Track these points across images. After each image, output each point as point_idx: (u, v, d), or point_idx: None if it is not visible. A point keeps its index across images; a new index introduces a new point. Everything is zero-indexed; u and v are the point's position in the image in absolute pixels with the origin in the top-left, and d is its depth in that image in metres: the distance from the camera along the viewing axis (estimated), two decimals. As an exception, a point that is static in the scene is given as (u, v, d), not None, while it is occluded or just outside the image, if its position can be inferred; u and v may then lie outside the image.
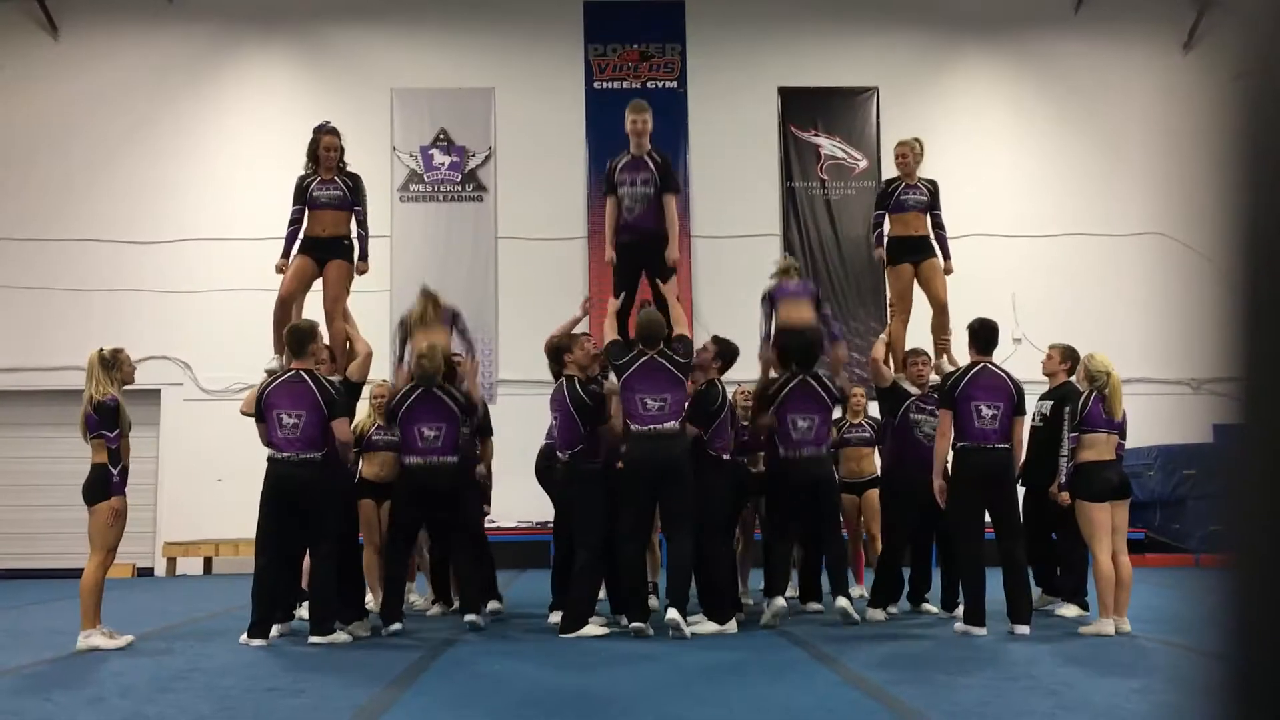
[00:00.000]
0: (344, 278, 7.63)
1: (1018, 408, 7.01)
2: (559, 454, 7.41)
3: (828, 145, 15.24)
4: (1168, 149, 14.14)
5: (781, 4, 15.36)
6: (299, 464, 6.81)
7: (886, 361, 8.10)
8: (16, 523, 14.08)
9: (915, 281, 8.29)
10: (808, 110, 15.31)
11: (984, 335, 7.15)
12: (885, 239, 8.40)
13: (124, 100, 14.86)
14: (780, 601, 7.22)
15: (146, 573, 14.01)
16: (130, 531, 13.49)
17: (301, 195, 7.65)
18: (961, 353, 7.74)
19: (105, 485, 6.68)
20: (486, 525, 12.51)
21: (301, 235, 7.66)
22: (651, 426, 6.87)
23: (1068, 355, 7.91)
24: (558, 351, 7.52)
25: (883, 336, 8.35)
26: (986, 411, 6.91)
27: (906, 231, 8.27)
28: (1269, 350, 0.88)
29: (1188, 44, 15.06)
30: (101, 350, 6.84)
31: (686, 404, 7.11)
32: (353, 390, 7.28)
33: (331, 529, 6.98)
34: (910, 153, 8.38)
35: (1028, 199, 15.03)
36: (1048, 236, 15.00)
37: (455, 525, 7.53)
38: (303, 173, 7.70)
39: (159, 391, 13.88)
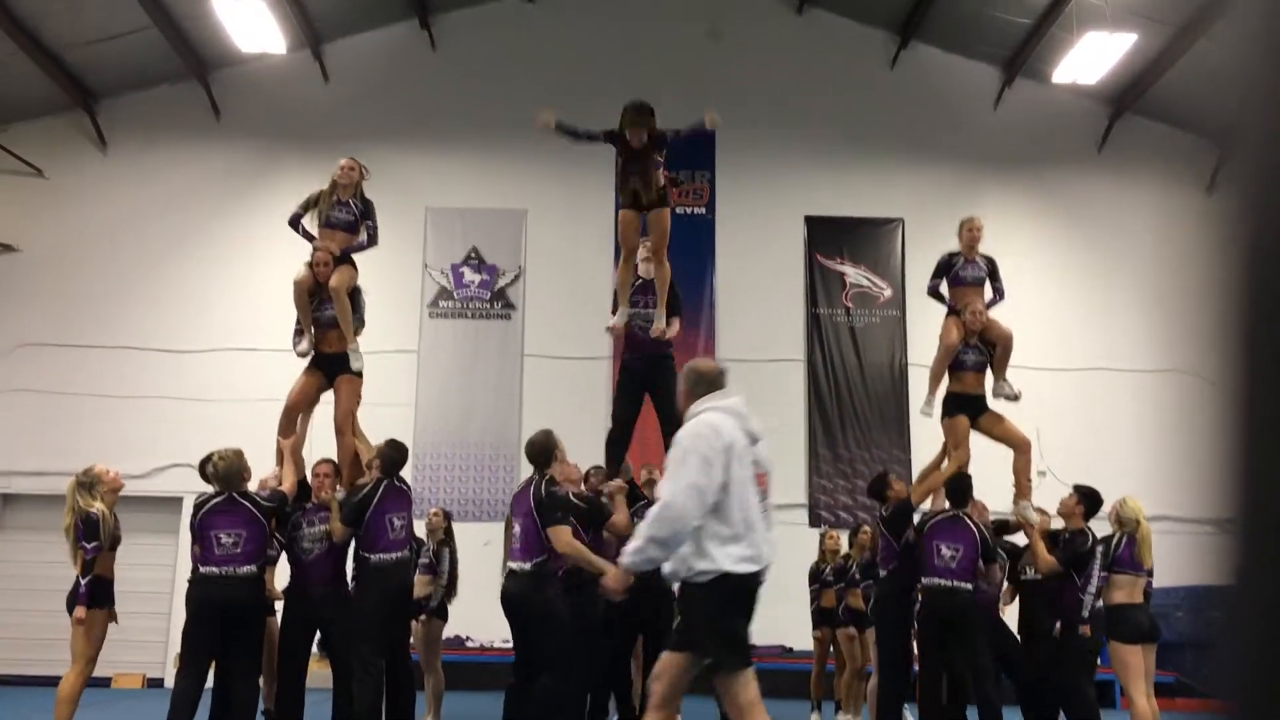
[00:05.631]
0: (354, 392, 7.79)
1: (984, 554, 7.26)
2: (514, 565, 6.74)
3: (853, 274, 15.41)
4: (1190, 286, 14.23)
5: (808, 136, 15.70)
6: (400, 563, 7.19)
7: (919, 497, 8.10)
8: (36, 628, 13.97)
9: (972, 432, 8.20)
10: (833, 239, 15.53)
11: (955, 489, 7.52)
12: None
13: (166, 214, 15.25)
14: None
15: (157, 683, 13.85)
16: (141, 641, 13.47)
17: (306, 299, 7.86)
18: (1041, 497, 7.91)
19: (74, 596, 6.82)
20: (467, 645, 12.23)
21: (311, 352, 7.85)
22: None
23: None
24: (545, 451, 6.95)
25: (930, 476, 8.22)
26: (946, 551, 7.20)
27: (964, 389, 8.21)
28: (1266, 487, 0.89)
29: (1210, 185, 15.26)
30: (76, 476, 7.04)
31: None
32: None
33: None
34: (974, 315, 8.26)
35: (1052, 332, 15.08)
36: (1073, 370, 15.01)
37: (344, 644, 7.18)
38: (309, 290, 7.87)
39: (180, 500, 13.89)
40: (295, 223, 8.02)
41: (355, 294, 7.92)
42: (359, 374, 7.79)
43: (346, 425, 7.72)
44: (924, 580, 7.28)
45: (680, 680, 4.36)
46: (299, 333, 7.88)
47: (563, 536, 6.51)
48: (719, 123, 7.49)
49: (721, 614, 4.24)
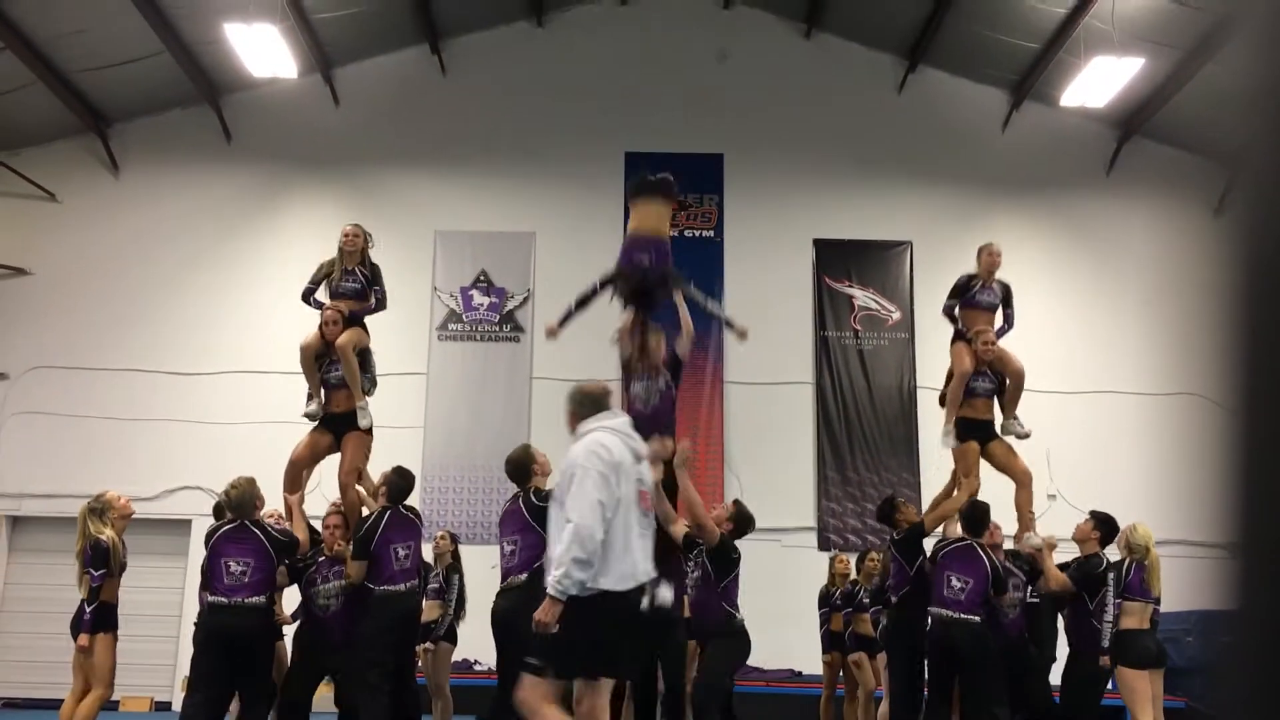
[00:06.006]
0: (361, 449, 7.81)
1: (995, 585, 7.22)
2: (511, 579, 6.55)
3: (861, 296, 15.42)
4: (1199, 309, 14.20)
5: (817, 159, 15.75)
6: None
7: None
8: (45, 651, 13.96)
9: (982, 460, 8.16)
10: (841, 262, 15.55)
11: (971, 518, 7.45)
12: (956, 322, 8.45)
13: (177, 236, 15.33)
14: None
15: (164, 707, 13.82)
16: (149, 664, 13.45)
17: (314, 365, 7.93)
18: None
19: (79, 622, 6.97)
20: (475, 669, 12.20)
21: (320, 414, 7.86)
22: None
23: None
24: (522, 465, 6.85)
25: (943, 504, 8.18)
26: (956, 583, 7.16)
27: (974, 415, 8.16)
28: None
29: (1218, 208, 15.25)
30: (88, 502, 7.19)
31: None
32: None
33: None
34: (986, 346, 8.18)
35: (1061, 356, 15.05)
36: (1082, 393, 14.98)
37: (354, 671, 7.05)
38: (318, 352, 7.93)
39: (189, 522, 13.91)
40: (308, 297, 8.14)
41: (365, 355, 7.96)
42: (368, 432, 7.82)
43: (351, 482, 7.73)
44: (931, 609, 7.24)
45: (595, 691, 4.55)
46: (310, 397, 7.91)
47: None
48: (747, 336, 7.79)
49: (581, 628, 4.36)
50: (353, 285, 8.03)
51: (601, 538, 4.33)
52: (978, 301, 8.40)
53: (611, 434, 4.62)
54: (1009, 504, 8.22)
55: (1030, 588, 8.01)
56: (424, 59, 15.94)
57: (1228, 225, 1.03)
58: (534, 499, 6.52)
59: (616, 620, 4.43)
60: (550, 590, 4.33)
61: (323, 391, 7.85)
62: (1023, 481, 8.07)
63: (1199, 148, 15.33)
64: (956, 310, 8.49)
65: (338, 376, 7.74)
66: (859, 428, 14.90)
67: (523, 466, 6.80)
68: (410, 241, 15.01)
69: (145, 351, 14.92)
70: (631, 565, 4.45)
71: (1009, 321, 8.55)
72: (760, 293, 15.25)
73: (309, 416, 7.83)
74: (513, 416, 14.87)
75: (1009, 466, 8.11)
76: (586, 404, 4.79)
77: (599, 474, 4.40)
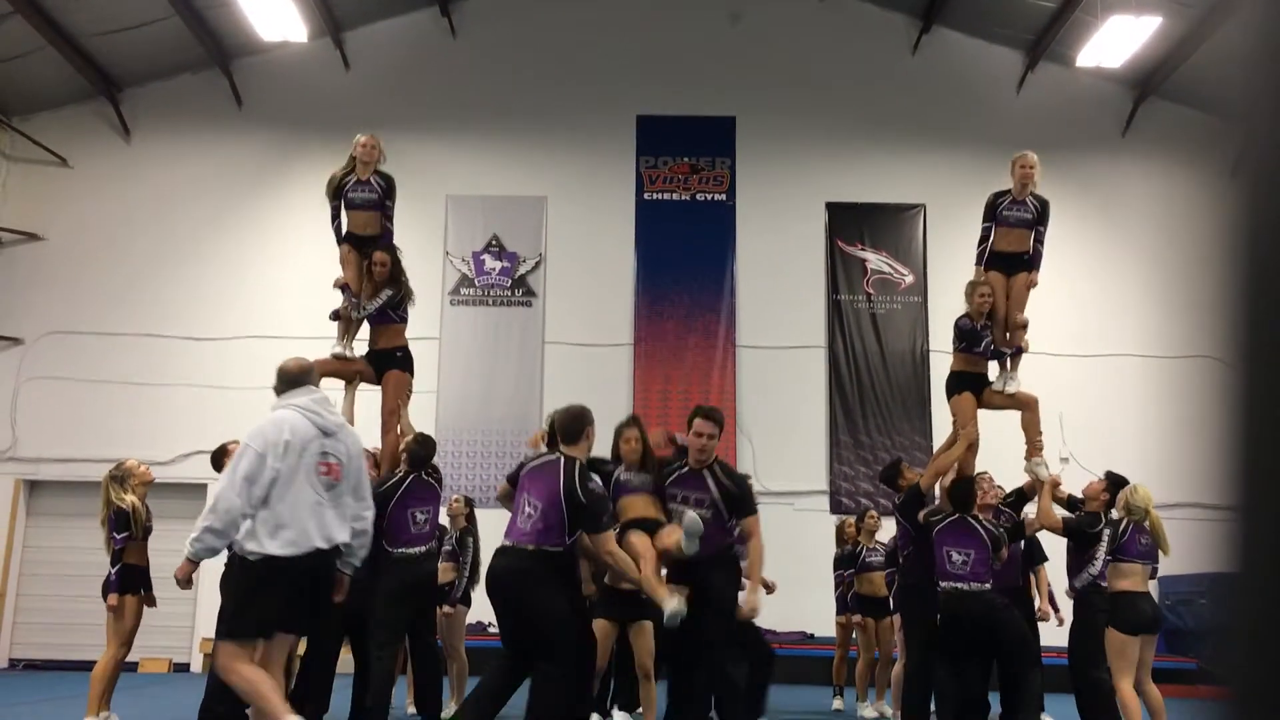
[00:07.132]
0: (401, 389, 7.77)
1: (994, 551, 7.17)
2: (512, 542, 5.65)
3: (874, 260, 15.36)
4: (1212, 271, 14.11)
5: (830, 122, 15.65)
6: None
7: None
8: (63, 613, 14.14)
9: (979, 409, 8.00)
10: (854, 225, 15.47)
11: (956, 494, 7.37)
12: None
13: (189, 201, 15.34)
14: None
15: (183, 668, 13.98)
16: (167, 626, 13.56)
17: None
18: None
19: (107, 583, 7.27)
20: (490, 631, 12.30)
21: (346, 353, 7.89)
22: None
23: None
24: (579, 422, 6.20)
25: (940, 457, 8.02)
26: (957, 556, 7.09)
27: (971, 369, 8.03)
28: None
29: (1234, 170, 15.10)
30: (109, 471, 7.43)
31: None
32: None
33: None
34: (984, 297, 8.02)
35: (1075, 318, 14.99)
36: (1096, 356, 14.93)
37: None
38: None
39: (204, 486, 13.97)
40: (337, 224, 8.07)
41: (395, 274, 7.87)
42: (406, 370, 7.80)
43: (392, 423, 7.70)
44: (942, 584, 7.14)
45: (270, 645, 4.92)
46: (340, 338, 7.88)
47: (609, 544, 5.72)
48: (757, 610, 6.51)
49: (250, 589, 4.81)
50: (368, 195, 7.96)
51: (248, 512, 4.70)
52: (1005, 218, 8.11)
53: (295, 410, 4.91)
54: (1012, 461, 8.20)
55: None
56: (434, 21, 15.86)
57: (1235, 189, 1.02)
58: (578, 486, 5.66)
59: (286, 580, 4.76)
60: (186, 550, 4.85)
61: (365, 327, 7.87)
62: (1027, 405, 7.88)
63: (1216, 108, 15.17)
64: (992, 232, 8.19)
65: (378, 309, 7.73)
66: (871, 391, 14.89)
67: (579, 422, 6.22)
68: (421, 206, 14.97)
69: (158, 316, 14.97)
70: (302, 532, 4.77)
71: (1039, 241, 8.13)
72: (772, 256, 15.22)
73: (336, 358, 7.76)
74: (525, 381, 14.90)
75: (1012, 400, 7.92)
76: (283, 381, 5.07)
77: (255, 453, 4.74)
